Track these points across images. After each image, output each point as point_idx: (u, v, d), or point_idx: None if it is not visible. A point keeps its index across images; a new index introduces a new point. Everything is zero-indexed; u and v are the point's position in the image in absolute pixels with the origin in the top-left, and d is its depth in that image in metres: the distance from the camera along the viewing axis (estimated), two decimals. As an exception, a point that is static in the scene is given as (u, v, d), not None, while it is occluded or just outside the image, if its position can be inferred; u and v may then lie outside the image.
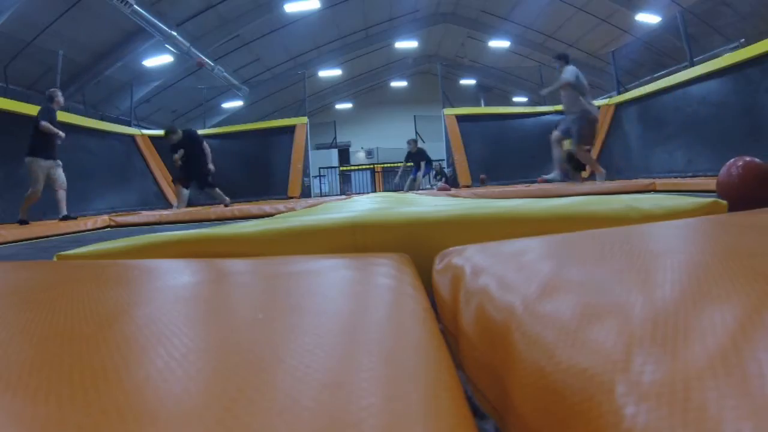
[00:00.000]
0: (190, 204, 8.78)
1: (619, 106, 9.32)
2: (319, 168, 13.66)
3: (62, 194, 5.20)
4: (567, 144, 7.36)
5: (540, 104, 10.98)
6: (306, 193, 10.06)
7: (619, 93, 9.60)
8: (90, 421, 0.19)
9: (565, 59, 5.94)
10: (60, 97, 5.33)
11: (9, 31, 8.18)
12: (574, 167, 6.78)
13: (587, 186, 5.40)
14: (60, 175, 5.21)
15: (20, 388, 0.22)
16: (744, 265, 0.35)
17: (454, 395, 0.24)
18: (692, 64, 7.56)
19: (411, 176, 10.47)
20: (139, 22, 9.42)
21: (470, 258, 0.54)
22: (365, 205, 1.84)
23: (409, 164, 10.36)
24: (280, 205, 5.59)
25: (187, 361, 0.25)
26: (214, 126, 12.78)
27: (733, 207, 0.84)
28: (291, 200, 7.96)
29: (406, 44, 15.90)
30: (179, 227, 3.24)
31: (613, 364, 0.22)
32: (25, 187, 5.27)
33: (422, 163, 10.17)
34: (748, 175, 1.35)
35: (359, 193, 11.21)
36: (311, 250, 0.82)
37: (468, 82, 17.56)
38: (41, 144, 5.04)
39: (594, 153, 9.59)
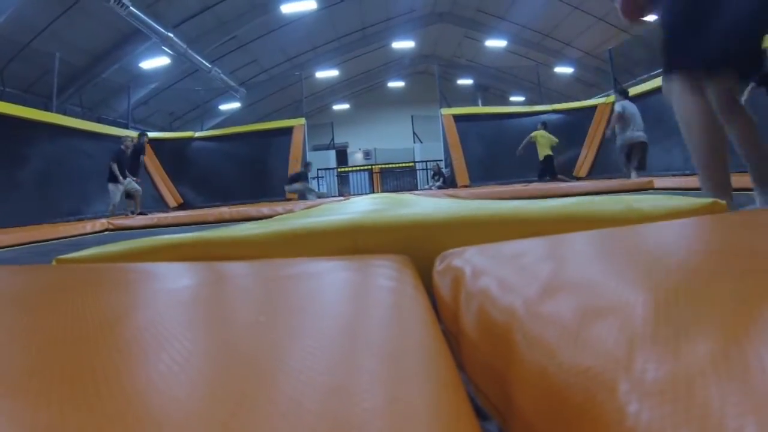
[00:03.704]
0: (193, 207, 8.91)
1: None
2: (317, 169, 13.65)
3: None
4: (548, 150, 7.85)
5: (537, 103, 11.00)
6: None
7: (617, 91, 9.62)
8: (92, 425, 0.19)
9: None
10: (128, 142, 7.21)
11: (5, 33, 8.15)
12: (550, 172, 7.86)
13: (586, 185, 5.41)
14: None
15: (21, 393, 0.22)
16: (744, 264, 0.35)
17: (457, 396, 0.25)
18: (689, 62, 7.55)
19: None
20: (136, 24, 9.40)
21: (470, 259, 0.54)
22: (364, 206, 1.84)
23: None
24: (278, 207, 5.59)
25: (190, 365, 0.25)
26: (212, 128, 12.77)
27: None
28: (289, 202, 7.95)
29: (403, 44, 15.89)
30: (178, 230, 3.23)
31: (616, 363, 0.22)
32: (22, 189, 6.25)
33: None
34: None
35: (357, 194, 11.20)
36: (311, 252, 0.82)
37: (465, 81, 17.57)
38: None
39: (592, 152, 9.64)
